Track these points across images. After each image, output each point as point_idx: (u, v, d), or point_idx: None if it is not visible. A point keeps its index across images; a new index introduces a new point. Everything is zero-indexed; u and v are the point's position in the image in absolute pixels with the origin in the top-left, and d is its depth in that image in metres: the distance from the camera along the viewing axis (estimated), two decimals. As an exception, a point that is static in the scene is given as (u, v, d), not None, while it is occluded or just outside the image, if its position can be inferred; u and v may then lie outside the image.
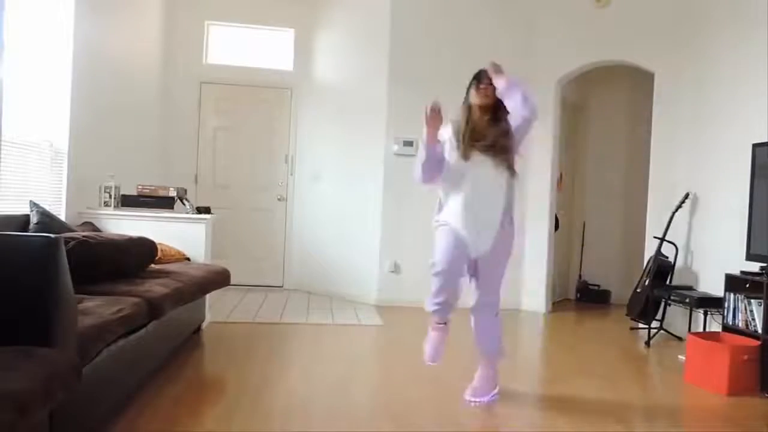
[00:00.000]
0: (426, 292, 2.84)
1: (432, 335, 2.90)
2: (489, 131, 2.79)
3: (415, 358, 3.12)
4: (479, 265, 2.86)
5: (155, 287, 2.84)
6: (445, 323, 2.89)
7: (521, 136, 2.83)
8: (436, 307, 2.82)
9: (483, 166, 2.77)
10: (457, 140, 2.81)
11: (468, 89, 2.89)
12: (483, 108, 2.82)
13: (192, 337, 3.87)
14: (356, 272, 5.77)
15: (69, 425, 1.89)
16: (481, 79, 2.84)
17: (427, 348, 2.91)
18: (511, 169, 2.80)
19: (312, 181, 6.25)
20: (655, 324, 4.47)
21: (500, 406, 2.89)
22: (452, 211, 2.83)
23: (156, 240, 3.38)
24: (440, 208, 2.91)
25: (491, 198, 2.81)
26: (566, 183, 6.23)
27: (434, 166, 2.81)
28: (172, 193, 4.32)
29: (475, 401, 2.88)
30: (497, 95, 2.80)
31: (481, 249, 2.79)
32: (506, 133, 2.79)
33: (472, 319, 2.95)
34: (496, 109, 2.81)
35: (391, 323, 4.81)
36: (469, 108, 2.86)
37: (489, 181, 2.79)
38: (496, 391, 2.95)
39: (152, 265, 3.37)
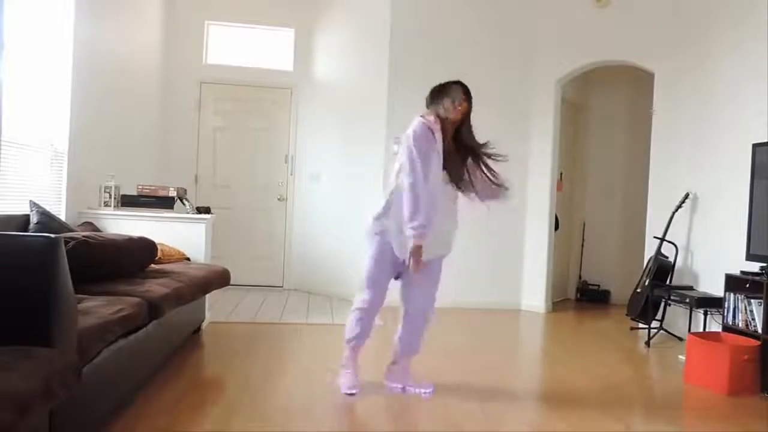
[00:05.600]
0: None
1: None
2: (452, 155, 2.82)
3: (415, 357, 3.12)
4: (425, 271, 2.88)
5: (155, 287, 2.84)
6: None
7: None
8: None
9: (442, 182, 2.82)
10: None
11: (439, 95, 2.83)
12: (453, 123, 2.82)
13: (192, 337, 3.88)
14: (356, 272, 5.74)
15: (69, 425, 1.89)
16: (460, 95, 2.80)
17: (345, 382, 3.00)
18: (458, 188, 2.87)
19: (312, 181, 6.25)
20: (655, 324, 4.47)
21: (499, 406, 2.89)
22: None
23: (156, 240, 3.38)
24: (386, 211, 2.96)
25: (449, 208, 2.90)
26: (566, 183, 6.23)
27: None
28: (172, 193, 4.32)
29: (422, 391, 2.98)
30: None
31: (433, 253, 2.87)
32: (464, 157, 2.84)
33: (406, 324, 3.08)
34: (461, 126, 2.83)
35: (391, 323, 4.80)
36: (440, 120, 2.80)
37: (447, 194, 2.87)
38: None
39: (152, 265, 3.37)
